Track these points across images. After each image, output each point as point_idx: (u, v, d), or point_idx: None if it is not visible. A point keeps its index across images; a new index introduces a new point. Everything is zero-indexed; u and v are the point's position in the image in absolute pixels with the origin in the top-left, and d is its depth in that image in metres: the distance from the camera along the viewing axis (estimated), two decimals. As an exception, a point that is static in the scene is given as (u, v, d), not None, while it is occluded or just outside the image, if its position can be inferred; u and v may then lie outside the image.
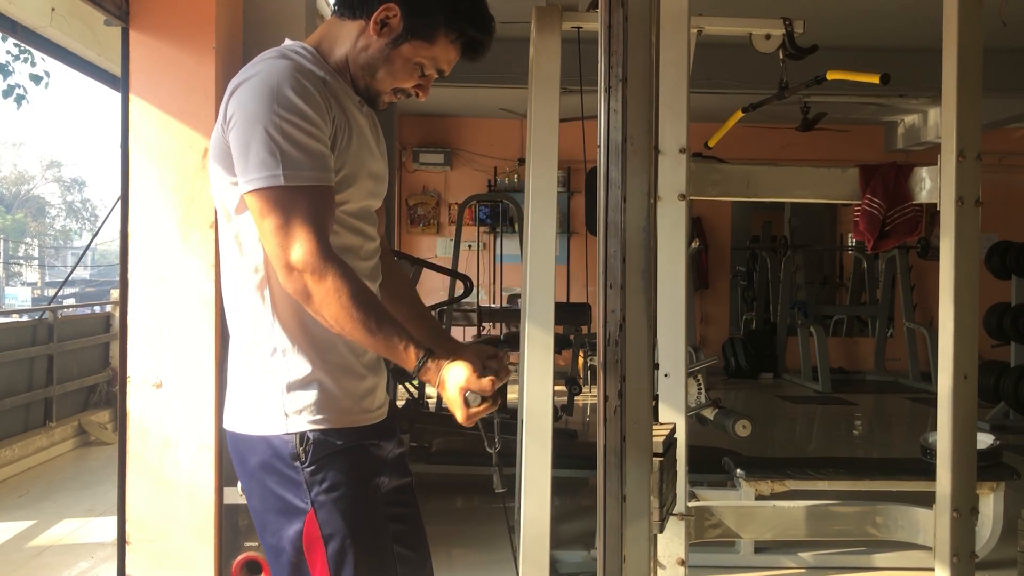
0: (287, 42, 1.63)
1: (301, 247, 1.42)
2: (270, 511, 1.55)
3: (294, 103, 1.45)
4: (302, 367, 1.53)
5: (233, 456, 1.62)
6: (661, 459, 1.48)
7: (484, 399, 1.46)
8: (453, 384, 1.46)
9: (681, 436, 2.53)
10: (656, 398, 1.46)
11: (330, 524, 1.50)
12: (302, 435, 1.51)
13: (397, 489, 1.67)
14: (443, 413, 5.64)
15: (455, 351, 1.57)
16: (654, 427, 1.49)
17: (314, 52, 1.60)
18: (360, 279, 1.47)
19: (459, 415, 1.47)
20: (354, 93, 1.63)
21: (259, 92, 1.47)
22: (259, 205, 1.45)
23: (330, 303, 1.43)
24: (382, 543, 1.57)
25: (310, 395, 1.53)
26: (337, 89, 1.57)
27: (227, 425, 1.61)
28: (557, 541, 3.28)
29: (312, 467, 1.51)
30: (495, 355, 1.60)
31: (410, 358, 1.46)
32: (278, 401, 1.53)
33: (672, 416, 2.51)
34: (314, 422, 1.52)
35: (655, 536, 1.59)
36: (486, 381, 1.46)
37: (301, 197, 1.44)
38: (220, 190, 1.56)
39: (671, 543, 2.47)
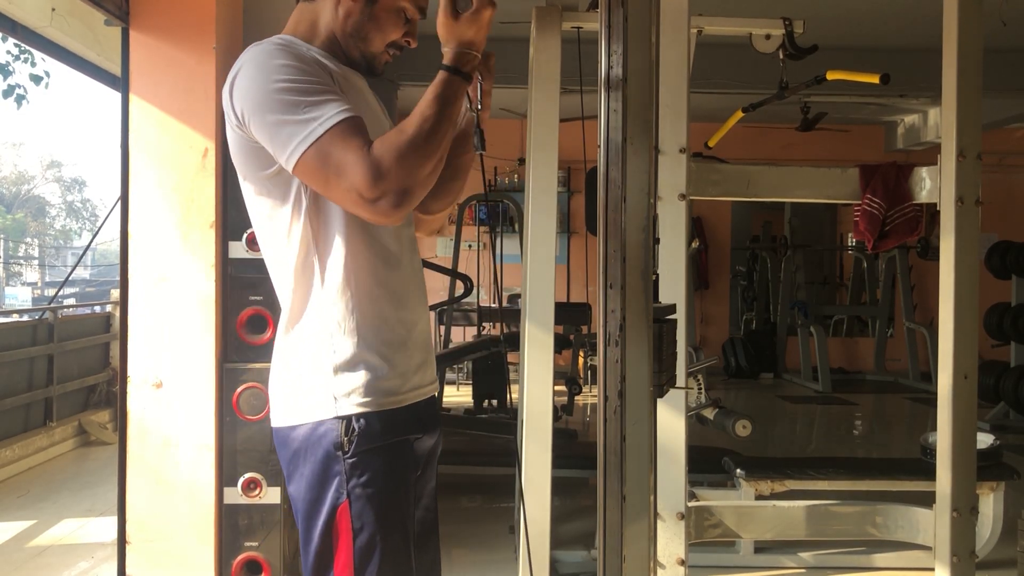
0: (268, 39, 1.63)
1: (363, 178, 1.40)
2: (306, 499, 1.55)
3: (285, 64, 1.46)
4: (350, 348, 1.53)
5: (277, 446, 1.61)
6: (659, 324, 1.48)
7: None
8: (467, 23, 1.50)
9: (681, 436, 2.53)
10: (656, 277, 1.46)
11: (362, 518, 1.51)
12: (348, 424, 1.51)
13: (424, 491, 1.68)
14: (443, 413, 5.65)
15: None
16: (653, 305, 1.48)
17: (293, 39, 1.59)
18: (407, 138, 1.44)
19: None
20: (355, 75, 1.63)
21: (253, 75, 1.47)
22: (309, 170, 1.44)
23: (412, 168, 1.42)
24: (407, 541, 1.57)
25: (359, 376, 1.53)
26: (335, 70, 1.57)
27: (275, 422, 1.60)
28: (557, 541, 3.28)
29: (354, 459, 1.51)
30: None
31: (460, 86, 1.50)
32: (327, 385, 1.53)
33: (672, 416, 2.51)
34: (363, 404, 1.52)
35: (655, 536, 1.59)
36: None
37: (338, 137, 1.42)
38: (254, 185, 1.55)
39: (671, 543, 2.47)
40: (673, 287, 2.53)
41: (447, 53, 1.51)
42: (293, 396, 1.56)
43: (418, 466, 1.63)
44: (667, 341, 1.51)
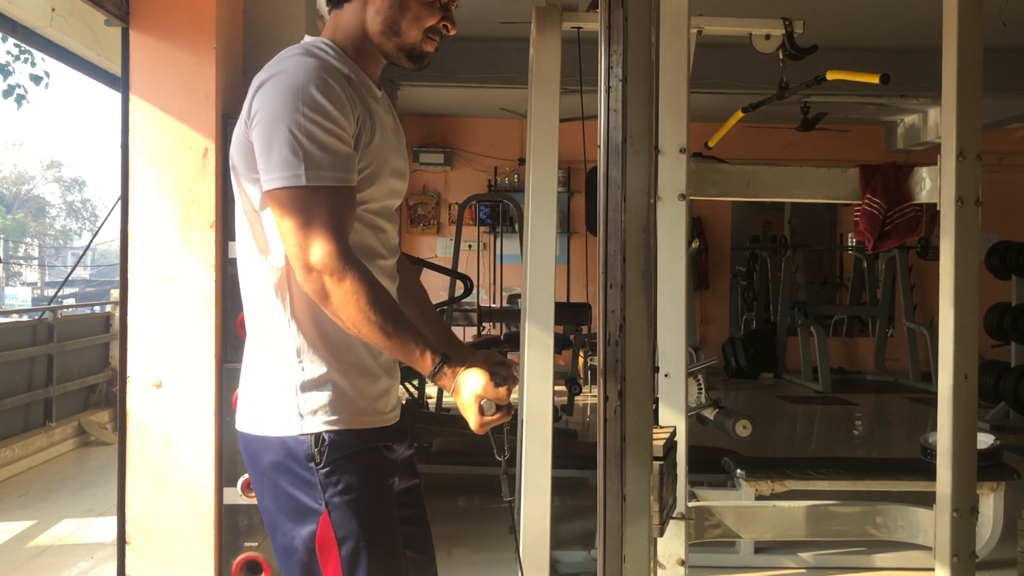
0: (308, 39, 1.62)
1: (320, 248, 1.42)
2: (282, 512, 1.54)
3: (319, 102, 1.44)
4: (318, 367, 1.53)
5: (245, 457, 1.61)
6: (661, 463, 1.48)
7: (499, 408, 1.47)
8: (469, 392, 1.46)
9: (681, 436, 2.53)
10: (656, 401, 1.46)
11: (344, 526, 1.50)
12: (317, 436, 1.51)
13: (406, 491, 1.67)
14: (443, 413, 5.65)
15: (467, 357, 1.56)
16: (654, 430, 1.49)
17: (335, 47, 1.58)
18: (378, 282, 1.47)
19: (473, 423, 1.47)
20: (374, 87, 1.62)
21: (284, 90, 1.46)
22: (280, 204, 1.45)
23: (348, 305, 1.43)
24: (395, 546, 1.56)
25: (325, 395, 1.52)
26: (360, 86, 1.56)
27: (240, 427, 1.60)
28: (557, 541, 3.28)
29: (327, 468, 1.50)
30: (503, 362, 1.60)
31: (426, 363, 1.46)
32: (293, 402, 1.52)
33: (672, 416, 2.51)
34: (329, 423, 1.52)
35: (655, 536, 1.59)
36: (502, 390, 1.46)
37: (322, 197, 1.43)
38: (243, 187, 1.55)
39: (671, 543, 2.47)
40: (673, 287, 2.53)
41: (425, 365, 1.47)
42: (261, 407, 1.56)
43: (394, 471, 1.62)
44: (668, 479, 1.51)
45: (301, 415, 1.52)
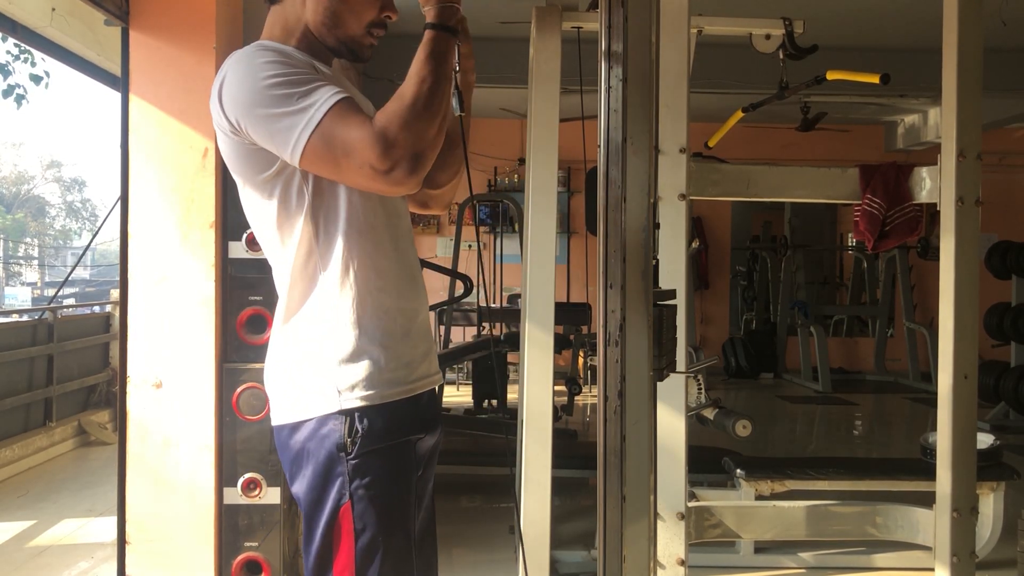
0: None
1: (366, 153, 1.40)
2: (309, 500, 1.55)
3: (269, 61, 1.46)
4: (352, 341, 1.53)
5: (279, 447, 1.60)
6: (658, 308, 1.48)
7: None
8: None
9: (681, 436, 2.53)
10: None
11: (363, 519, 1.51)
12: (351, 424, 1.51)
13: (423, 488, 1.68)
14: (444, 413, 5.64)
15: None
16: (653, 290, 1.48)
17: (269, 43, 1.58)
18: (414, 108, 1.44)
19: None
20: (340, 73, 1.62)
21: (240, 79, 1.47)
22: (317, 156, 1.44)
23: (418, 135, 1.42)
24: (409, 544, 1.58)
25: (362, 368, 1.52)
26: (319, 66, 1.56)
27: (276, 420, 1.60)
28: (557, 541, 3.28)
29: (357, 460, 1.51)
30: None
31: (446, 37, 1.49)
32: (329, 378, 1.52)
33: (672, 416, 2.51)
34: (366, 398, 1.52)
35: (655, 536, 1.59)
36: None
37: (336, 118, 1.42)
38: (254, 189, 1.55)
39: (671, 543, 2.47)
40: (673, 287, 2.52)
41: (429, 12, 1.51)
42: (294, 391, 1.56)
43: (420, 466, 1.62)
44: (667, 325, 1.51)
45: (339, 391, 1.51)
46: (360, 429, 1.51)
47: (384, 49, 1.91)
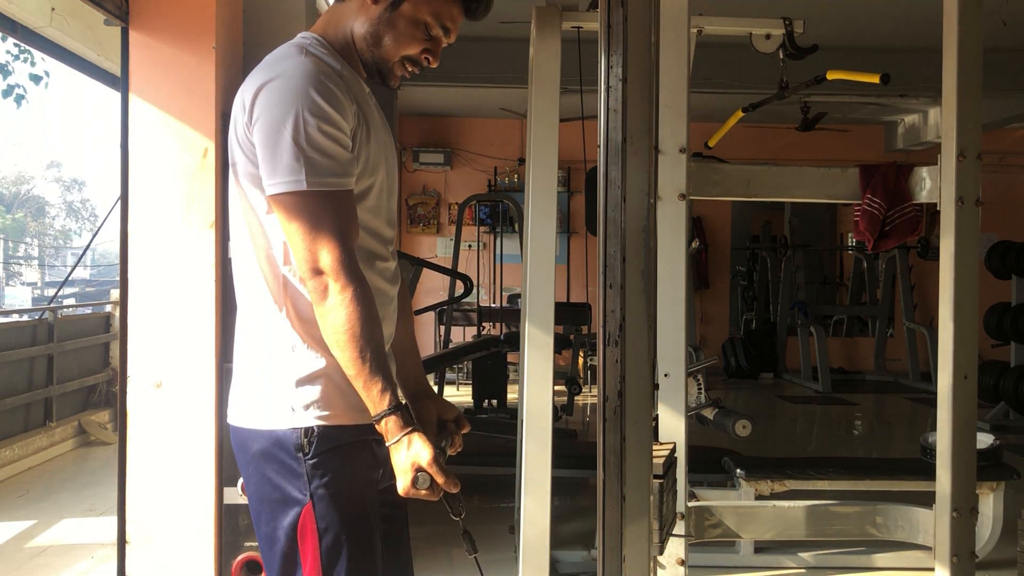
0: (301, 35, 1.62)
1: (329, 254, 1.44)
2: (267, 500, 1.55)
3: (319, 105, 1.46)
4: (312, 362, 1.54)
5: (235, 447, 1.62)
6: (661, 480, 1.48)
7: (432, 485, 1.44)
8: (409, 457, 1.44)
9: (681, 436, 2.53)
10: (656, 419, 1.45)
11: (326, 518, 1.51)
12: (307, 428, 1.52)
13: (387, 489, 1.67)
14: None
15: (423, 412, 1.64)
16: (654, 446, 1.49)
17: (324, 42, 1.60)
18: (375, 310, 1.48)
19: (402, 487, 1.45)
20: (363, 83, 1.63)
21: (285, 95, 1.47)
22: (285, 209, 1.47)
23: (340, 312, 1.44)
24: (374, 541, 1.58)
25: (318, 390, 1.53)
26: (352, 82, 1.57)
27: (232, 420, 1.62)
28: (557, 541, 3.28)
29: (315, 460, 1.51)
30: (458, 418, 1.67)
31: (378, 403, 1.45)
32: (286, 396, 1.53)
33: (672, 416, 2.51)
34: (321, 417, 1.53)
35: (654, 536, 1.59)
36: (442, 476, 1.43)
37: (326, 202, 1.46)
38: (242, 184, 1.56)
39: (671, 543, 2.47)
40: (673, 287, 2.53)
41: (393, 421, 1.46)
42: (253, 400, 1.57)
43: (379, 465, 1.62)
44: (668, 496, 1.51)
45: (293, 409, 1.53)
46: (316, 430, 1.52)
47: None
